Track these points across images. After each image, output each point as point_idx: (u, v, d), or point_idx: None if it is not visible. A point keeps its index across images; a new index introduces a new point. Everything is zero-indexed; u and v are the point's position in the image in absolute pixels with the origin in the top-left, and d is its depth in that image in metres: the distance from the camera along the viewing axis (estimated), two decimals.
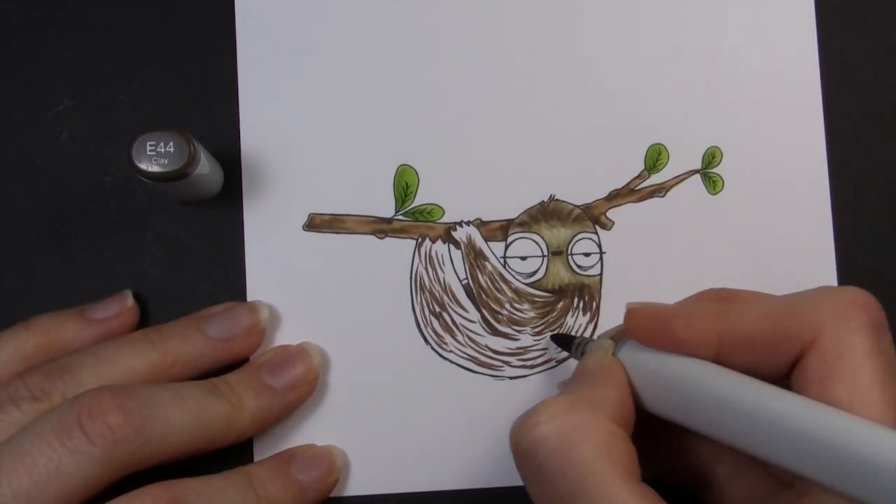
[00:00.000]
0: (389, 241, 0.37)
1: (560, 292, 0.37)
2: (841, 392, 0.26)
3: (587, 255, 0.38)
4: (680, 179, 0.38)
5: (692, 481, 0.32)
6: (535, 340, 0.37)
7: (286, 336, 0.37)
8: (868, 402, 0.26)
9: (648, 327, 0.30)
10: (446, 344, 0.37)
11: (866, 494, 0.24)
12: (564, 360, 0.37)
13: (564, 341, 0.36)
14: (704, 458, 0.31)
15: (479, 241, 0.38)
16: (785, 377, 0.28)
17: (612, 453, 0.27)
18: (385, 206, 0.38)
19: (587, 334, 0.37)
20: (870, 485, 0.24)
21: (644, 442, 0.30)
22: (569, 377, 0.36)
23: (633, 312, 0.30)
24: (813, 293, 0.28)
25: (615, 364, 0.31)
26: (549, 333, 0.37)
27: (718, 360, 0.29)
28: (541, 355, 0.37)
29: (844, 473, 0.25)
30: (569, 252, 0.38)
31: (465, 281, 0.38)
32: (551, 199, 0.38)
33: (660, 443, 0.32)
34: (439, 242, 0.38)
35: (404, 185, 0.38)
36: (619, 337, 0.32)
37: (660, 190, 0.38)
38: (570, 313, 0.37)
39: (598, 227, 0.38)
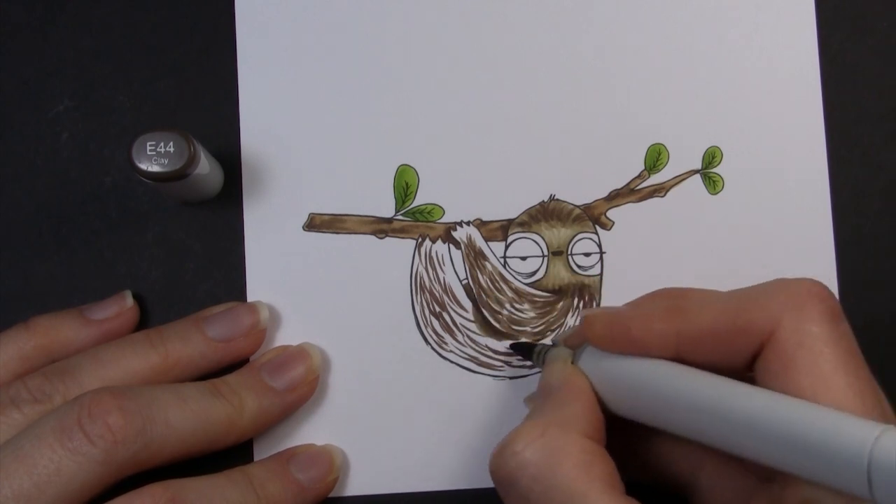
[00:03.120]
0: (389, 241, 0.38)
1: (560, 292, 0.37)
2: (803, 380, 0.26)
3: (587, 255, 0.38)
4: (680, 179, 0.38)
5: (678, 488, 0.32)
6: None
7: (286, 336, 0.37)
8: (831, 388, 0.26)
9: (606, 333, 0.30)
10: (446, 344, 0.37)
11: (835, 480, 0.24)
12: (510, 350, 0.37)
13: (524, 349, 0.36)
14: (686, 462, 0.32)
15: (479, 241, 0.38)
16: (746, 371, 0.28)
17: (592, 471, 0.27)
18: (385, 206, 0.38)
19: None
20: (836, 471, 0.24)
21: (625, 447, 0.30)
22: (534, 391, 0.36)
23: (589, 319, 0.31)
24: (767, 286, 0.28)
25: (577, 375, 0.31)
26: (509, 343, 0.37)
27: (678, 358, 0.29)
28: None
29: (810, 462, 0.25)
30: (569, 252, 0.38)
31: (466, 281, 0.38)
32: (551, 199, 0.38)
33: (642, 449, 0.32)
34: (439, 242, 0.38)
35: (404, 185, 0.38)
36: (577, 341, 0.32)
37: (660, 190, 0.38)
38: (571, 313, 0.37)
39: (598, 227, 0.38)
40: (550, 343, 0.34)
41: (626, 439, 0.31)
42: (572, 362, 0.31)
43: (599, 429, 0.30)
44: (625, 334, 0.29)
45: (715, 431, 0.27)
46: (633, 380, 0.29)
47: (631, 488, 0.28)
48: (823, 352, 0.27)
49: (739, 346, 0.28)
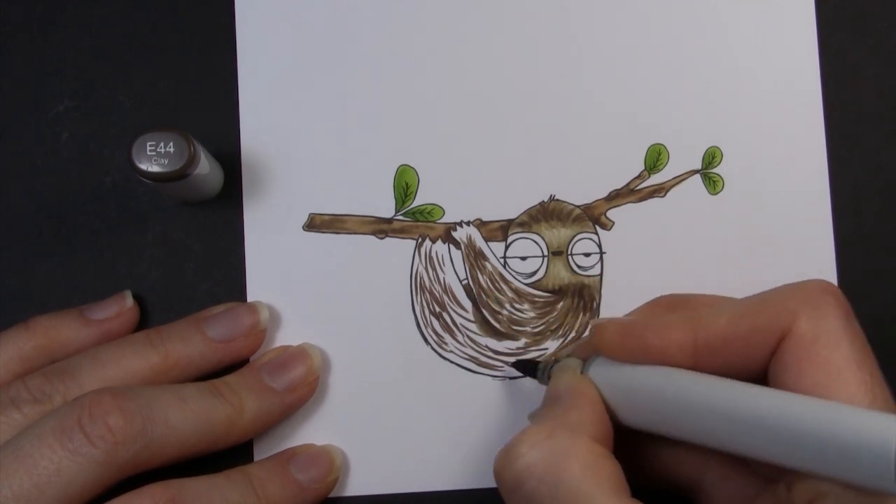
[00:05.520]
0: (389, 241, 0.38)
1: (560, 292, 0.37)
2: (818, 374, 0.27)
3: (587, 255, 0.38)
4: (680, 179, 0.38)
5: (682, 490, 0.32)
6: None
7: (286, 336, 0.37)
8: (845, 383, 0.26)
9: (620, 341, 0.30)
10: (446, 344, 0.37)
11: (859, 476, 0.24)
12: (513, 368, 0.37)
13: (528, 367, 0.35)
14: (690, 466, 0.32)
15: (479, 242, 0.38)
16: (762, 372, 0.28)
17: (600, 473, 0.27)
18: (385, 206, 0.38)
19: (587, 335, 0.37)
20: (861, 467, 0.24)
21: (629, 454, 0.30)
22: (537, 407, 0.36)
23: (601, 328, 0.30)
24: (781, 288, 0.29)
25: (585, 383, 0.31)
26: (514, 360, 0.36)
27: (695, 365, 0.29)
28: (540, 356, 0.37)
29: (830, 460, 0.25)
30: (569, 252, 0.38)
31: (466, 281, 0.38)
32: (551, 199, 0.38)
33: (646, 455, 0.32)
34: (439, 242, 0.38)
35: (404, 185, 0.38)
36: (583, 353, 0.32)
37: (660, 190, 0.38)
38: (571, 313, 0.37)
39: (598, 227, 0.38)
40: (553, 359, 0.34)
41: (629, 447, 0.31)
42: (581, 372, 0.31)
43: (607, 436, 0.30)
44: (640, 343, 0.29)
45: (733, 436, 0.27)
46: (647, 388, 0.29)
47: (635, 492, 0.28)
48: (839, 346, 0.27)
49: (757, 347, 0.28)
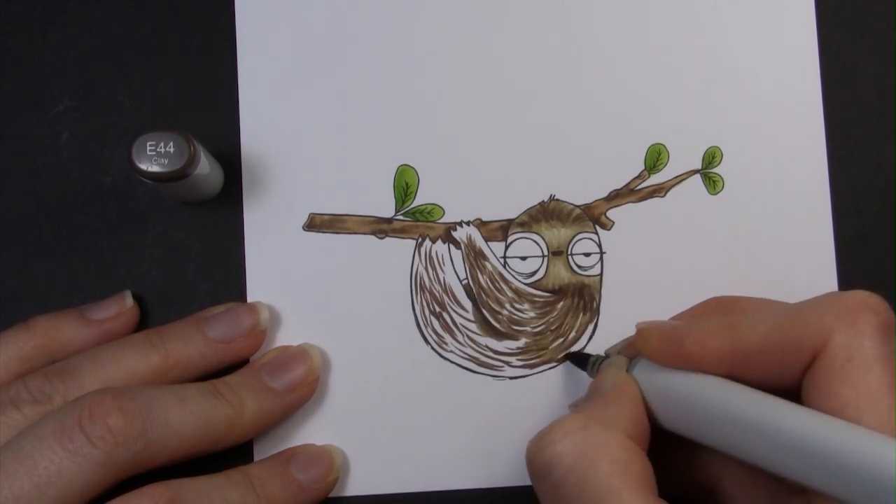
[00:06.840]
0: (389, 241, 0.38)
1: (560, 292, 0.37)
2: (849, 396, 0.26)
3: (587, 255, 0.38)
4: (680, 179, 0.38)
5: (700, 494, 0.32)
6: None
7: (286, 336, 0.37)
8: (876, 408, 0.26)
9: (660, 347, 0.30)
10: (446, 344, 0.37)
11: None
12: (564, 360, 0.37)
13: (579, 360, 0.36)
14: (711, 470, 0.32)
15: (479, 241, 0.38)
16: (798, 384, 0.28)
17: (629, 470, 0.27)
18: (385, 206, 0.38)
19: (587, 334, 0.37)
20: (876, 497, 0.24)
21: (657, 457, 0.30)
22: (576, 391, 0.36)
23: (643, 332, 0.31)
24: (821, 298, 0.28)
25: (629, 381, 0.31)
26: (565, 352, 0.37)
27: (732, 373, 0.29)
28: (540, 355, 0.37)
29: (852, 486, 0.25)
30: (569, 252, 0.38)
31: (466, 281, 0.38)
32: (551, 199, 0.38)
33: (670, 457, 0.32)
34: (439, 242, 0.38)
35: (404, 185, 0.38)
36: (631, 352, 0.33)
37: (660, 190, 0.38)
38: (571, 313, 0.37)
39: (598, 227, 0.38)
40: (604, 354, 0.34)
41: (661, 449, 0.31)
42: (626, 371, 0.31)
43: (643, 434, 0.30)
44: (678, 349, 0.29)
45: (760, 451, 0.27)
46: (683, 395, 0.29)
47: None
48: (873, 369, 0.26)
49: (792, 361, 0.28)
